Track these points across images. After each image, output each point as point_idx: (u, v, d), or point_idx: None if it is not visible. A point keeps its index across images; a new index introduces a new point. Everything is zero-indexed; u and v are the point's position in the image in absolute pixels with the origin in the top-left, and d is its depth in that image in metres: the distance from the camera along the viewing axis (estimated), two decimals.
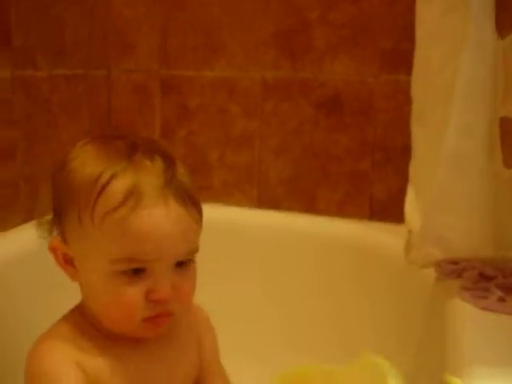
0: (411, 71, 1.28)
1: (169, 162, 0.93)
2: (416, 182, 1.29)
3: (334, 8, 1.71)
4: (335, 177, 1.78)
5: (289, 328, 1.70)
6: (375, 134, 1.73)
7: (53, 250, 0.97)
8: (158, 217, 0.88)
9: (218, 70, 1.84)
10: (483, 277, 1.20)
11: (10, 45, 1.48)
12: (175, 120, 1.90)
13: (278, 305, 1.72)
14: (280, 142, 1.81)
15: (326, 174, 1.78)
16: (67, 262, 0.96)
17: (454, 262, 1.25)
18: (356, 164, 1.76)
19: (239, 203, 1.86)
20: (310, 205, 1.80)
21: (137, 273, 0.90)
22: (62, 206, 0.94)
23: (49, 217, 0.99)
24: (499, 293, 1.13)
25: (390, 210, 1.72)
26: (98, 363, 0.94)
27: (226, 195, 1.87)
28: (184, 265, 0.94)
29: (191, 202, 0.92)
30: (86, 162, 0.93)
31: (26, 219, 1.54)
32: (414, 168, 1.30)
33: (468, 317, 1.09)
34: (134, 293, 0.90)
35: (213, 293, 1.54)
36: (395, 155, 1.71)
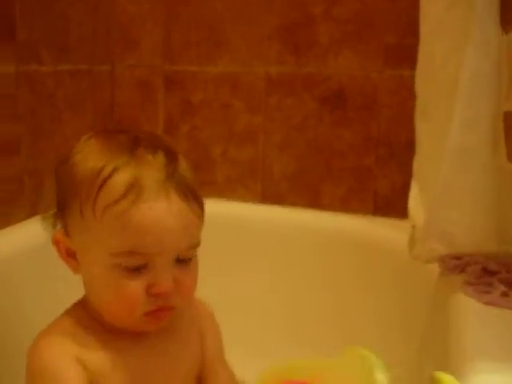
0: (415, 66, 1.28)
1: (171, 156, 0.93)
2: (420, 177, 1.29)
3: (338, 3, 1.71)
4: (339, 172, 1.78)
5: (292, 322, 1.71)
6: (379, 129, 1.73)
7: (56, 243, 0.98)
8: (159, 210, 0.89)
9: (221, 65, 1.84)
10: (486, 272, 1.20)
11: (14, 40, 1.48)
12: (178, 115, 1.90)
13: (281, 299, 1.73)
14: (284, 137, 1.81)
15: (329, 169, 1.78)
16: (70, 256, 0.96)
17: (458, 257, 1.25)
18: (360, 159, 1.76)
19: (243, 198, 1.86)
20: (313, 200, 1.81)
21: (138, 267, 0.90)
22: (65, 200, 0.95)
23: (53, 211, 0.99)
24: (502, 288, 1.13)
25: (393, 205, 1.72)
26: (98, 358, 0.94)
27: (230, 190, 1.87)
28: (185, 259, 0.94)
29: (193, 196, 0.92)
30: (89, 155, 0.93)
31: (31, 214, 1.54)
32: (418, 163, 1.30)
33: (471, 312, 1.09)
34: (135, 287, 0.90)
35: (216, 287, 1.54)
36: (399, 150, 1.71)
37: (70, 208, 0.94)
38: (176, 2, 1.85)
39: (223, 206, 1.80)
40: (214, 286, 1.47)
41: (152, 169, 0.90)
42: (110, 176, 0.89)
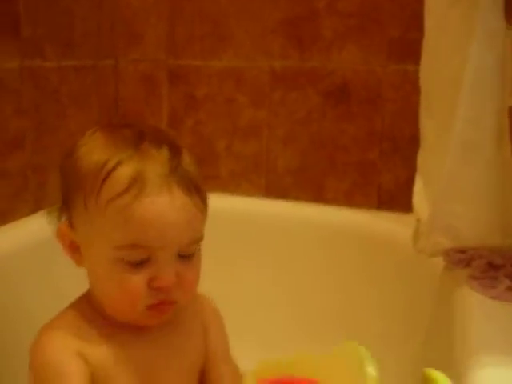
0: (419, 61, 1.28)
1: (175, 150, 0.93)
2: (424, 171, 1.29)
3: None
4: (343, 166, 1.78)
5: (296, 315, 1.71)
6: (383, 123, 1.73)
7: (60, 235, 0.98)
8: (162, 204, 0.89)
9: (225, 59, 1.84)
10: (491, 266, 1.20)
11: (18, 35, 1.48)
12: (183, 110, 1.90)
13: (285, 293, 1.73)
14: (288, 131, 1.81)
15: (333, 163, 1.78)
16: (74, 249, 0.97)
17: (462, 251, 1.26)
18: (364, 154, 1.76)
19: (247, 193, 1.87)
20: (317, 194, 1.81)
21: (140, 261, 0.90)
22: (70, 193, 0.95)
23: (58, 205, 0.99)
24: (508, 282, 1.13)
25: (397, 200, 1.72)
26: (100, 351, 0.94)
27: (234, 185, 1.87)
28: (188, 254, 0.94)
29: (196, 190, 0.92)
30: (94, 149, 0.93)
31: (35, 209, 1.55)
32: (423, 157, 1.30)
33: (476, 305, 1.09)
34: (137, 280, 0.90)
35: (221, 281, 1.55)
36: (403, 145, 1.71)
37: (75, 201, 0.94)
38: None
39: (227, 201, 1.80)
40: (218, 279, 1.47)
41: (156, 163, 0.90)
42: (113, 169, 0.89)
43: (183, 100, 1.90)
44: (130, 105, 1.92)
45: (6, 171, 1.48)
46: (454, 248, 1.26)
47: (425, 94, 1.28)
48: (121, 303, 0.92)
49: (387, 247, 1.56)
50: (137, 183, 0.88)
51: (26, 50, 1.50)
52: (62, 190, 0.98)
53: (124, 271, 0.90)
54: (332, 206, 1.76)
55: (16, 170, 1.50)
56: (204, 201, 0.95)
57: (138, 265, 0.90)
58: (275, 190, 1.84)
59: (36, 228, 1.43)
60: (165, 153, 0.92)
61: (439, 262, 1.29)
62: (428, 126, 1.27)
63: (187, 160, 0.94)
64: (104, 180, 0.89)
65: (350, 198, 1.78)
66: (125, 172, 0.89)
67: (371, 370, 0.75)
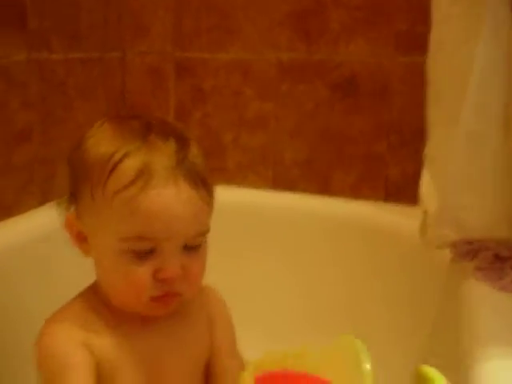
0: (427, 53, 1.27)
1: (182, 143, 0.93)
2: (432, 163, 1.29)
3: None
4: (350, 159, 1.78)
5: (303, 307, 1.71)
6: (391, 115, 1.72)
7: (68, 226, 0.98)
8: (168, 197, 0.89)
9: (232, 51, 1.84)
10: (498, 258, 1.20)
11: (25, 28, 1.48)
12: (190, 102, 1.90)
13: (292, 285, 1.73)
14: (295, 123, 1.81)
15: (341, 155, 1.78)
16: (81, 239, 0.97)
17: (469, 243, 1.25)
18: (371, 146, 1.75)
19: (254, 185, 1.86)
20: (325, 186, 1.80)
21: (146, 252, 0.90)
22: (77, 184, 0.96)
23: (67, 196, 1.00)
24: None
25: (405, 192, 1.72)
26: (106, 342, 0.94)
27: (241, 177, 1.87)
28: (194, 246, 0.94)
29: (202, 183, 0.92)
30: (101, 140, 0.94)
31: (42, 202, 1.55)
32: (430, 150, 1.30)
33: (483, 297, 1.09)
34: (142, 272, 0.90)
35: (228, 273, 1.55)
36: (411, 137, 1.70)
37: (82, 192, 0.94)
38: None
39: (234, 193, 1.81)
40: (224, 271, 1.47)
41: (162, 155, 0.90)
42: (120, 161, 0.89)
43: (190, 93, 1.90)
44: (137, 97, 1.92)
45: (13, 164, 1.48)
46: (460, 240, 1.26)
47: (432, 86, 1.27)
48: (126, 294, 0.93)
49: (393, 239, 1.56)
50: (143, 175, 0.88)
51: (32, 42, 1.50)
52: (69, 181, 0.99)
53: (129, 263, 0.91)
54: (339, 199, 1.76)
55: (23, 163, 1.51)
56: (210, 194, 0.95)
57: (143, 256, 0.90)
58: (282, 182, 1.84)
59: (43, 221, 1.44)
60: (172, 145, 0.92)
61: (445, 254, 1.29)
62: (435, 118, 1.27)
63: (195, 152, 0.94)
64: (111, 172, 0.90)
65: (357, 191, 1.78)
66: (131, 164, 0.89)
67: (367, 366, 0.75)
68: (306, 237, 1.72)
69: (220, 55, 1.85)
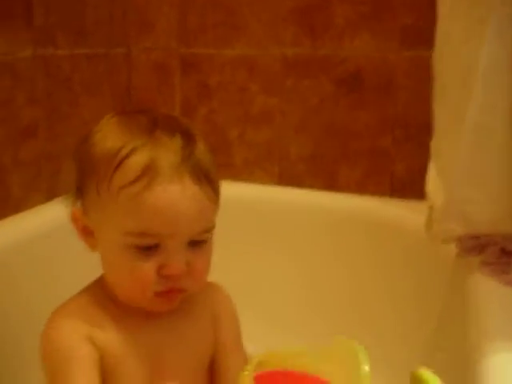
0: (432, 47, 1.27)
1: (188, 139, 0.93)
2: (438, 158, 1.29)
3: None
4: (356, 154, 1.77)
5: (308, 302, 1.71)
6: (396, 110, 1.72)
7: (74, 220, 0.99)
8: (173, 193, 0.89)
9: (237, 47, 1.84)
10: (504, 252, 1.20)
11: (31, 24, 1.49)
12: (195, 98, 1.90)
13: (297, 280, 1.73)
14: (300, 119, 1.81)
15: (346, 150, 1.78)
16: (87, 234, 0.98)
17: (475, 237, 1.25)
18: (377, 141, 1.75)
19: (260, 180, 1.87)
20: (330, 182, 1.80)
21: (150, 248, 0.91)
22: (84, 178, 0.96)
23: (74, 191, 1.00)
24: None
25: (410, 187, 1.72)
26: (110, 336, 0.95)
27: (247, 173, 1.87)
28: (199, 242, 0.94)
29: (207, 180, 0.92)
30: (108, 135, 0.94)
31: (48, 197, 1.55)
32: (436, 144, 1.30)
33: (489, 292, 1.09)
34: (147, 268, 0.91)
35: (233, 269, 1.55)
36: (416, 132, 1.70)
37: (88, 187, 0.95)
38: None
39: (240, 189, 1.81)
40: (230, 267, 1.48)
41: (168, 151, 0.90)
42: (126, 157, 0.89)
43: (196, 88, 1.90)
44: (143, 93, 1.92)
45: (20, 160, 1.48)
46: (466, 234, 1.26)
47: (438, 81, 1.27)
48: (131, 289, 0.93)
49: (399, 234, 1.56)
50: (149, 171, 0.88)
51: (38, 38, 1.51)
52: (76, 176, 0.99)
53: (134, 258, 0.91)
54: (345, 194, 1.76)
55: (29, 159, 1.51)
56: (216, 191, 0.95)
57: (148, 252, 0.91)
58: (288, 177, 1.84)
59: (50, 216, 1.44)
60: (178, 141, 0.92)
61: (450, 248, 1.29)
62: (441, 113, 1.27)
63: (201, 148, 0.94)
64: (117, 167, 0.90)
65: (362, 186, 1.78)
66: (137, 160, 0.89)
67: (366, 367, 0.76)
68: (311, 232, 1.72)
69: (225, 51, 1.85)
